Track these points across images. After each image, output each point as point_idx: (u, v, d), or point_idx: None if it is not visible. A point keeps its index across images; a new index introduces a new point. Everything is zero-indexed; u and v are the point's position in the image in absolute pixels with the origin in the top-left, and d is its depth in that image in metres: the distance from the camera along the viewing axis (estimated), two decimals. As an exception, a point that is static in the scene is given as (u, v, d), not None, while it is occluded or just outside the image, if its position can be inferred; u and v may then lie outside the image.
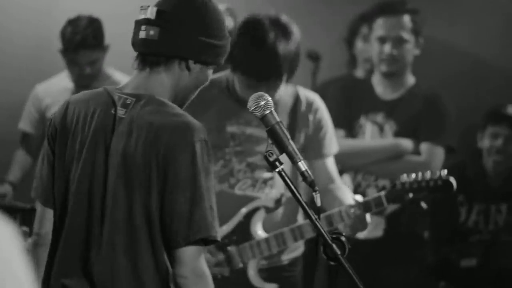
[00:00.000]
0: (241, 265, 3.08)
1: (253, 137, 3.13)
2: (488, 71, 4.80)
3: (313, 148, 3.21)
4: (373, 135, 3.81)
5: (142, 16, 2.16)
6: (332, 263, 2.04)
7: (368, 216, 3.03)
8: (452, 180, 3.05)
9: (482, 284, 4.05)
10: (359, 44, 4.38)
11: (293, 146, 2.08)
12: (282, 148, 2.06)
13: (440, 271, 4.09)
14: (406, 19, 3.74)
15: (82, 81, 4.18)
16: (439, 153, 3.73)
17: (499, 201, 4.04)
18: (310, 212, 2.06)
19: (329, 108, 3.80)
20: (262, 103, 2.09)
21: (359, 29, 4.39)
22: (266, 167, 3.10)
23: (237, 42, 2.88)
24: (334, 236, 2.06)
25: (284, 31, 2.92)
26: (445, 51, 4.55)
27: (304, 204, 2.06)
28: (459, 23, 4.75)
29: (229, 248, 3.09)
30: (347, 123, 3.83)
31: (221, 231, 3.07)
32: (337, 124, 3.76)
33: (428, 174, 3.05)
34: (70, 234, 2.14)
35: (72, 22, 4.14)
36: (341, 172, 3.77)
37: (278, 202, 3.15)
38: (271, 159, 2.08)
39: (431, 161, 3.70)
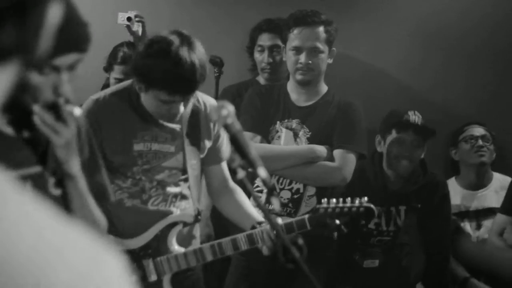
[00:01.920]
0: (155, 278, 3.11)
1: (159, 153, 3.15)
2: (382, 80, 5.02)
3: (213, 155, 3.31)
4: (288, 140, 3.89)
5: None
6: (290, 265, 2.10)
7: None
8: (373, 207, 3.22)
9: (384, 284, 4.18)
10: (256, 54, 4.52)
11: (254, 153, 2.12)
12: (243, 155, 2.09)
13: (345, 272, 4.20)
14: (321, 29, 3.85)
15: None
16: (351, 159, 3.85)
17: (398, 204, 4.16)
18: (270, 216, 2.13)
19: (245, 112, 3.90)
20: (225, 112, 2.11)
21: (256, 39, 4.53)
22: (174, 182, 3.18)
23: (146, 60, 2.86)
24: (292, 240, 2.12)
25: (188, 41, 2.89)
26: (345, 59, 4.70)
27: (265, 209, 2.11)
28: (360, 33, 4.95)
29: (143, 261, 3.11)
30: (262, 128, 3.90)
31: (135, 243, 3.11)
32: (253, 129, 3.87)
33: (348, 200, 3.17)
34: None
35: None
36: (255, 175, 3.86)
37: (196, 217, 3.21)
38: (232, 166, 2.11)
39: (344, 167, 3.81)
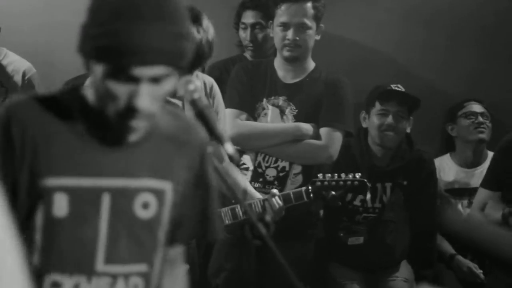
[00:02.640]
0: None
1: None
2: (372, 57, 4.98)
3: None
4: (274, 118, 3.86)
5: None
6: (257, 242, 2.12)
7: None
8: (367, 181, 3.44)
9: (368, 261, 4.18)
10: (240, 31, 4.51)
11: (220, 128, 2.10)
12: (210, 131, 2.06)
13: (330, 249, 4.20)
14: (308, 5, 3.81)
15: None
16: (338, 137, 3.84)
17: (384, 180, 4.15)
18: (236, 194, 2.15)
19: (232, 87, 3.88)
20: (191, 87, 2.08)
21: (241, 16, 4.50)
22: None
23: None
24: (259, 216, 2.19)
25: (197, 17, 2.95)
26: (332, 37, 4.66)
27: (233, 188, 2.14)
28: (346, 11, 4.90)
29: None
30: (248, 105, 3.88)
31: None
32: (239, 106, 3.84)
33: (343, 175, 3.30)
34: None
35: None
36: (241, 152, 3.87)
37: None
38: None
39: (330, 145, 3.80)
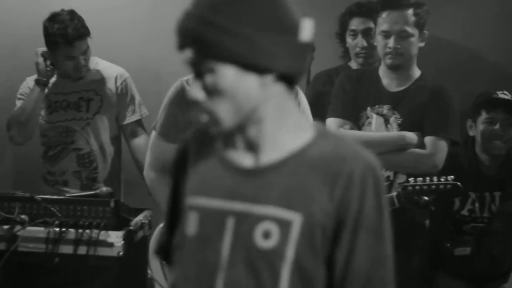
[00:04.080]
0: None
1: None
2: (478, 63, 4.88)
3: None
4: (379, 127, 3.84)
5: None
6: None
7: None
8: (460, 184, 3.36)
9: (475, 272, 4.10)
10: (348, 39, 4.46)
11: None
12: None
13: (436, 260, 4.14)
14: (410, 12, 3.76)
15: (78, 73, 4.32)
16: (443, 146, 3.78)
17: (493, 189, 4.08)
18: None
19: (336, 97, 3.87)
20: None
21: (347, 24, 4.46)
22: None
23: None
24: None
25: None
26: (437, 43, 4.59)
27: None
28: (451, 16, 4.82)
29: None
30: (352, 114, 3.86)
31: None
32: (343, 115, 3.83)
33: (435, 178, 3.23)
34: None
35: (54, 19, 4.19)
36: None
37: None
38: None
39: (435, 154, 3.75)
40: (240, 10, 1.75)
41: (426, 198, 3.34)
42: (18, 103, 4.34)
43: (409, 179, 3.42)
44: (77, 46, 4.19)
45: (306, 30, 1.81)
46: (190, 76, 2.57)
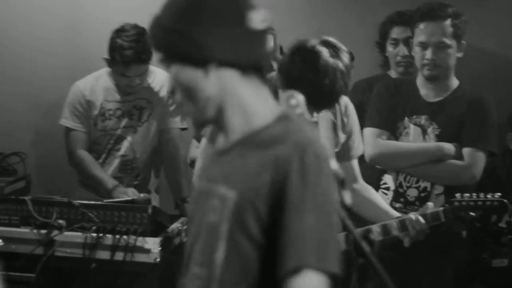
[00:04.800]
0: None
1: None
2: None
3: (345, 151, 3.41)
4: (416, 137, 3.82)
5: None
6: (361, 260, 2.04)
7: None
8: (507, 201, 3.34)
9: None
10: (389, 48, 4.45)
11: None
12: None
13: (473, 271, 4.12)
14: (447, 23, 3.74)
15: (130, 90, 4.25)
16: (481, 157, 3.76)
17: None
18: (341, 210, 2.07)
19: (373, 106, 3.87)
20: (293, 102, 2.08)
21: (388, 33, 4.45)
22: None
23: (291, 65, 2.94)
24: (363, 234, 2.07)
25: (335, 50, 2.96)
26: (474, 52, 4.55)
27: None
28: (487, 24, 4.78)
29: None
30: (390, 124, 3.85)
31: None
32: (380, 125, 3.83)
33: (481, 195, 3.23)
34: None
35: (120, 34, 4.11)
36: (383, 172, 3.85)
37: None
38: None
39: (473, 165, 3.73)
40: (180, 8, 1.88)
41: (472, 214, 3.32)
42: (67, 112, 4.33)
43: (456, 194, 3.40)
44: (132, 69, 4.12)
45: (255, 19, 1.89)
46: None
